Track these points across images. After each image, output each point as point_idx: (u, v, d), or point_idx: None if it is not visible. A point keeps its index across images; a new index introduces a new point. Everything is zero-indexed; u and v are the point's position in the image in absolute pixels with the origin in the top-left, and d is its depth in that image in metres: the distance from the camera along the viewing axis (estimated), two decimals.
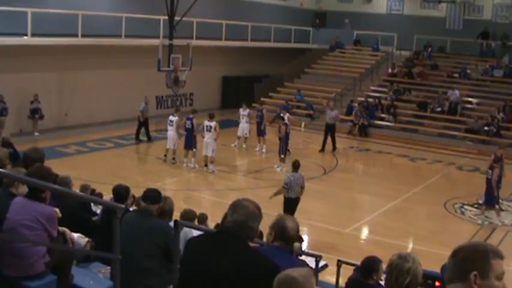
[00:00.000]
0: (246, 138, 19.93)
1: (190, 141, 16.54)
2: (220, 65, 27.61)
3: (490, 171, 13.46)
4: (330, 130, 20.23)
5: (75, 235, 5.05)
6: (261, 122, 19.67)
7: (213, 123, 16.19)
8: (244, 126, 19.76)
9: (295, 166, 11.79)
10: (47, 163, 5.60)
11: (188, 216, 7.67)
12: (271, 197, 11.33)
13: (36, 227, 4.24)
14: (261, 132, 19.66)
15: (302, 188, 11.57)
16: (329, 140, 20.10)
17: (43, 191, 4.35)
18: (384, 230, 12.73)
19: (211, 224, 8.48)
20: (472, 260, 2.23)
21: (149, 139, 19.98)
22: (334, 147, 20.26)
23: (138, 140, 19.87)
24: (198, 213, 8.39)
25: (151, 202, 5.15)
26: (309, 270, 2.59)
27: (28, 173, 4.54)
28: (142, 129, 19.94)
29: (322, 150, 20.13)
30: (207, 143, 16.19)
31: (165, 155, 17.17)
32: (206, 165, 16.52)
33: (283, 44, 29.89)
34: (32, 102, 18.96)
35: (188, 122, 16.52)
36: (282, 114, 18.84)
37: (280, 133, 17.26)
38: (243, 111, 19.80)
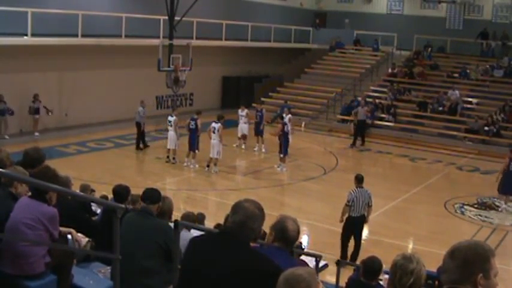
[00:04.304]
0: (245, 137, 19.90)
1: (193, 141, 16.51)
2: (220, 65, 27.61)
3: None
4: (361, 126, 21.57)
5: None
6: (260, 122, 19.72)
7: (217, 125, 16.13)
8: (242, 127, 19.81)
9: (359, 180, 10.35)
10: (47, 163, 5.58)
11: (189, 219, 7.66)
12: (340, 221, 10.54)
13: (37, 226, 4.23)
14: (259, 132, 19.70)
15: (370, 206, 10.36)
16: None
17: (47, 192, 4.34)
18: (384, 230, 12.71)
19: (211, 224, 8.47)
20: (475, 261, 2.31)
21: (146, 145, 18.76)
22: (363, 142, 21.71)
23: (140, 149, 18.51)
24: (196, 213, 8.39)
25: (150, 202, 5.15)
26: (312, 269, 2.65)
27: (34, 173, 4.50)
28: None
29: (354, 144, 21.49)
30: (213, 144, 16.14)
31: (168, 156, 17.16)
32: (208, 166, 16.50)
33: (283, 44, 29.88)
34: (33, 102, 18.91)
35: (192, 123, 16.49)
36: (284, 114, 18.82)
37: (276, 132, 17.11)
38: (241, 112, 19.85)
